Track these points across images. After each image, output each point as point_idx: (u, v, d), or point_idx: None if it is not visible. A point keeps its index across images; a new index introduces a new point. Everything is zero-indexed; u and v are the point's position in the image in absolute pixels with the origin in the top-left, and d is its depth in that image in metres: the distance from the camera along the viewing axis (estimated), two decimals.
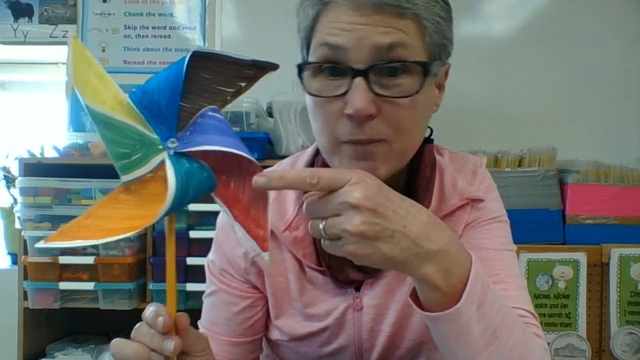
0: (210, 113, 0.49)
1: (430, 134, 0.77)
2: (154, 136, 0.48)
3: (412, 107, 0.63)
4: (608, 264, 1.70)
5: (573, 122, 2.05)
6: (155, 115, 0.47)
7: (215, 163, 0.49)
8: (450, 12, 0.67)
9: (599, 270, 1.71)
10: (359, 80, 0.61)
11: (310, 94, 0.65)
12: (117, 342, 0.54)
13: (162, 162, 0.47)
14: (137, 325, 0.54)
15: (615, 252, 1.70)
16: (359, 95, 0.60)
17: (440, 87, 0.71)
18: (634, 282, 1.70)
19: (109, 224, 0.46)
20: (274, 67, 0.49)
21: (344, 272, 0.72)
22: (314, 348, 0.76)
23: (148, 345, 0.52)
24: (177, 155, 0.48)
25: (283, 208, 0.75)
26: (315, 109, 0.66)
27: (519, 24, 2.08)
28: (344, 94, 0.62)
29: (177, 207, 0.48)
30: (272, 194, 0.74)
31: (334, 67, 0.63)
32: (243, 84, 0.49)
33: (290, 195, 0.75)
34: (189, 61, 0.47)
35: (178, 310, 0.54)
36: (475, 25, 2.08)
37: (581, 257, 1.70)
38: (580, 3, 2.07)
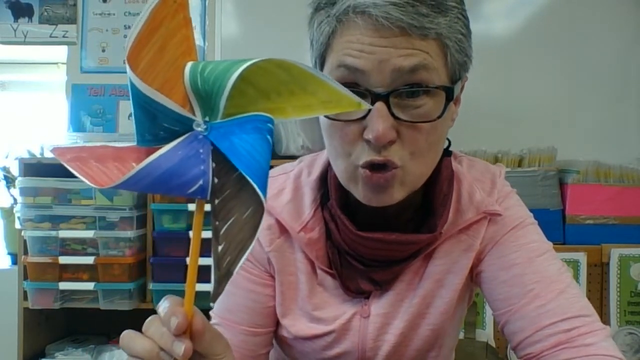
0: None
1: (448, 146, 0.74)
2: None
3: (432, 130, 0.62)
4: (608, 264, 1.70)
5: (573, 122, 2.05)
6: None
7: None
8: (469, 27, 0.65)
9: (598, 270, 1.71)
10: (379, 105, 0.58)
11: (327, 117, 0.63)
12: (127, 335, 0.50)
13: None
14: (150, 318, 0.50)
15: (615, 252, 1.70)
16: (379, 121, 0.58)
17: (457, 101, 0.69)
18: (634, 282, 1.70)
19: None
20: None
21: (355, 281, 0.72)
22: (317, 350, 0.76)
23: (157, 342, 0.48)
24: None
25: (300, 209, 0.74)
26: (331, 130, 0.63)
27: (519, 24, 2.08)
28: (363, 117, 0.60)
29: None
30: (287, 195, 0.74)
31: (352, 89, 0.60)
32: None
33: (307, 197, 0.74)
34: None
35: None
36: (475, 25, 2.06)
37: (581, 257, 1.69)
38: (580, 3, 2.07)
